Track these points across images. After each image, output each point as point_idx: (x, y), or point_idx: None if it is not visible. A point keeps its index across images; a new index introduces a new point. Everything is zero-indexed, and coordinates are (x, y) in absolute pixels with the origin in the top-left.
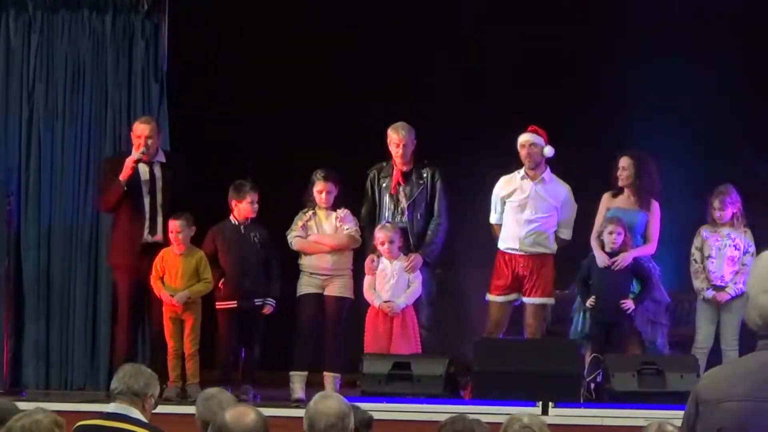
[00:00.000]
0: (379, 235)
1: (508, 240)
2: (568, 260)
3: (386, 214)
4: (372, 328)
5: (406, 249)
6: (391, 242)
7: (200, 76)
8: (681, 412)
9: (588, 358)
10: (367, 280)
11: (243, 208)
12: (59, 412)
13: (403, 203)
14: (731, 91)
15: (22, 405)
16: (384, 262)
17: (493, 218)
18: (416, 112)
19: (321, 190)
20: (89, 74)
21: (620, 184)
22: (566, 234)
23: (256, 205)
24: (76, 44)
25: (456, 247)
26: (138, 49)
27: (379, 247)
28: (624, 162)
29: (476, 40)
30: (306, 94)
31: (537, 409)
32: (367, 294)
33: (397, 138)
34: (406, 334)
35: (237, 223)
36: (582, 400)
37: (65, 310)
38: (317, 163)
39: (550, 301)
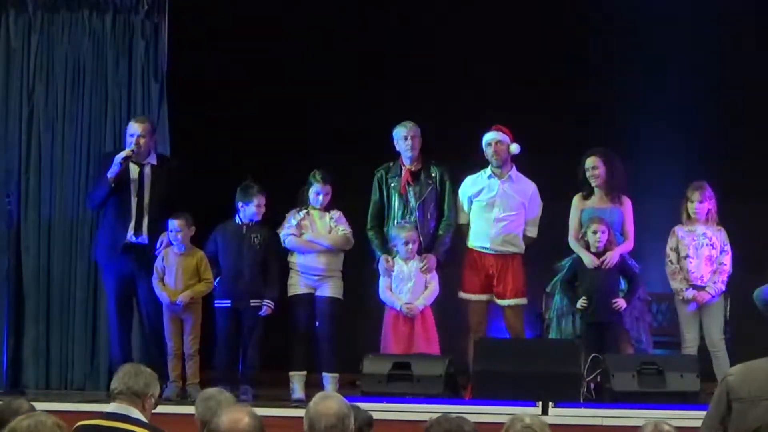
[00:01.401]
0: (402, 234)
1: (478, 238)
2: (553, 260)
3: (395, 214)
4: (393, 331)
5: (419, 248)
6: (414, 242)
7: (200, 76)
8: (681, 412)
9: (583, 359)
10: (382, 281)
11: (249, 210)
12: (59, 412)
13: (413, 203)
14: (713, 92)
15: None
16: (399, 263)
17: (462, 218)
18: (412, 113)
19: (318, 191)
20: (89, 74)
21: (594, 184)
22: (533, 232)
23: (263, 209)
24: (76, 44)
25: (453, 247)
26: (138, 49)
27: (401, 247)
28: (593, 162)
29: (471, 40)
30: (306, 94)
31: (537, 409)
32: (385, 295)
33: (405, 131)
34: (427, 336)
35: (241, 223)
36: (582, 400)
37: (65, 310)
38: (316, 164)
39: (523, 301)
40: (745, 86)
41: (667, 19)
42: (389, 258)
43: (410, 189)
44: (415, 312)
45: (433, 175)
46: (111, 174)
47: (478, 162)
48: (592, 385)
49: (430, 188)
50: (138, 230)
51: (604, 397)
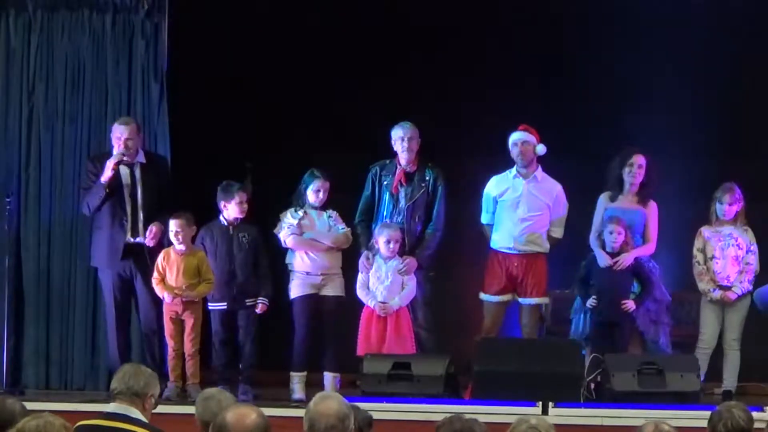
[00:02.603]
0: (384, 233)
1: (502, 239)
2: (566, 260)
3: (384, 213)
4: (365, 328)
5: (401, 249)
6: (395, 242)
7: (200, 76)
8: (681, 412)
9: (588, 359)
10: (360, 278)
11: (232, 208)
12: (59, 412)
13: (403, 204)
14: (729, 91)
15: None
16: (378, 261)
17: (485, 218)
18: (411, 113)
19: (318, 188)
20: (89, 74)
21: (631, 181)
22: (558, 233)
23: (245, 206)
24: (76, 44)
25: (454, 247)
26: (138, 49)
27: (382, 245)
28: (641, 160)
29: (473, 39)
30: (305, 93)
31: (537, 409)
32: (360, 293)
33: (402, 132)
34: (401, 335)
35: (226, 223)
36: (582, 400)
37: (65, 310)
38: (316, 163)
39: (545, 300)
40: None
41: (686, 17)
42: (369, 255)
43: (402, 189)
44: (388, 311)
45: (427, 178)
46: (105, 180)
47: (478, 162)
48: (592, 385)
49: (422, 191)
50: (135, 231)
51: (604, 397)
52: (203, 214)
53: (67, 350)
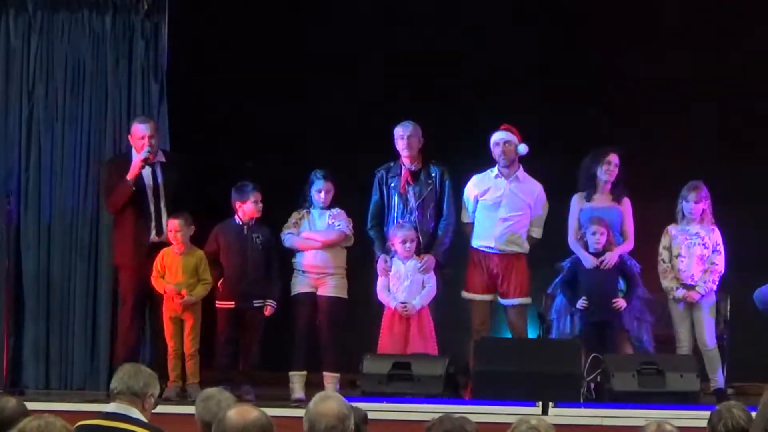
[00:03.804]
0: (400, 234)
1: (482, 238)
2: (544, 261)
3: (395, 214)
4: (388, 330)
5: (416, 248)
6: (411, 241)
7: (200, 76)
8: (681, 412)
9: (584, 359)
10: (380, 281)
11: (247, 208)
12: (59, 412)
13: (412, 203)
14: (704, 91)
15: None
16: (397, 263)
17: (466, 217)
18: (413, 113)
19: (321, 189)
20: (89, 74)
21: (605, 179)
22: (537, 233)
23: (260, 205)
24: (76, 44)
25: (457, 246)
26: (138, 49)
27: (399, 246)
28: (615, 159)
29: (470, 41)
30: (307, 93)
31: (537, 409)
32: (381, 295)
33: (401, 131)
34: (424, 335)
35: (241, 223)
36: (582, 400)
37: (65, 310)
38: (317, 163)
39: (528, 301)
40: (746, 85)
41: (670, 17)
42: (387, 258)
43: (410, 189)
44: (411, 312)
45: (433, 174)
46: (131, 177)
47: (481, 162)
48: (592, 385)
49: (429, 188)
50: (159, 230)
51: (604, 397)
52: (202, 214)
53: (67, 350)
